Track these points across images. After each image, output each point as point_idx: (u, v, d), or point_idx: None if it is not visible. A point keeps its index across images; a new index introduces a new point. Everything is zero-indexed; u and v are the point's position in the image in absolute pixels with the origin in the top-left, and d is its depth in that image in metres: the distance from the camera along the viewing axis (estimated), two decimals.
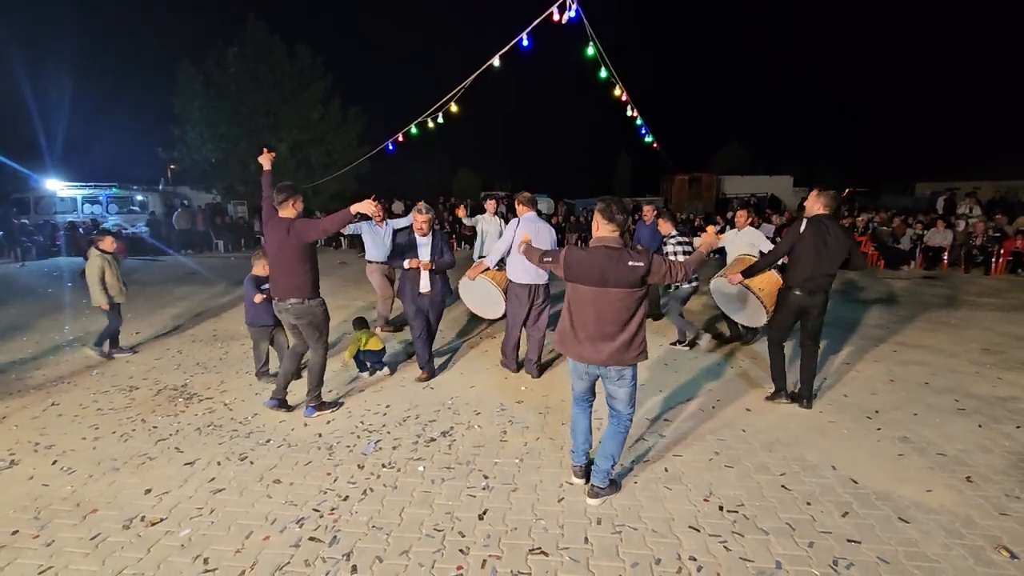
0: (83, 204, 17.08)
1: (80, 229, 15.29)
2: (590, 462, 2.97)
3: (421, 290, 4.54)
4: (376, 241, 6.05)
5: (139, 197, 17.72)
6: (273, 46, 19.10)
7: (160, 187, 19.59)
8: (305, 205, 5.38)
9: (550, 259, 2.84)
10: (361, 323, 5.03)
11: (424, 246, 4.54)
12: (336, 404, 4.08)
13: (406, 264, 4.46)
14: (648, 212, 7.03)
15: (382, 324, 6.22)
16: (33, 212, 16.50)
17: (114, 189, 17.37)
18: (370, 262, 6.17)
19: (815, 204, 3.85)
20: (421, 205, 4.62)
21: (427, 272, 4.51)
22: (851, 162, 31.42)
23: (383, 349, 4.83)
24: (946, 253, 11.50)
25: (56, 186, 17.42)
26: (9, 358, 5.46)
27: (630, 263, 2.56)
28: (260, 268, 4.40)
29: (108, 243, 5.49)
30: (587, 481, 2.90)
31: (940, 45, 54.93)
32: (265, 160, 4.11)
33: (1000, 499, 2.82)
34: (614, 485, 2.92)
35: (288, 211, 3.69)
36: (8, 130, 21.24)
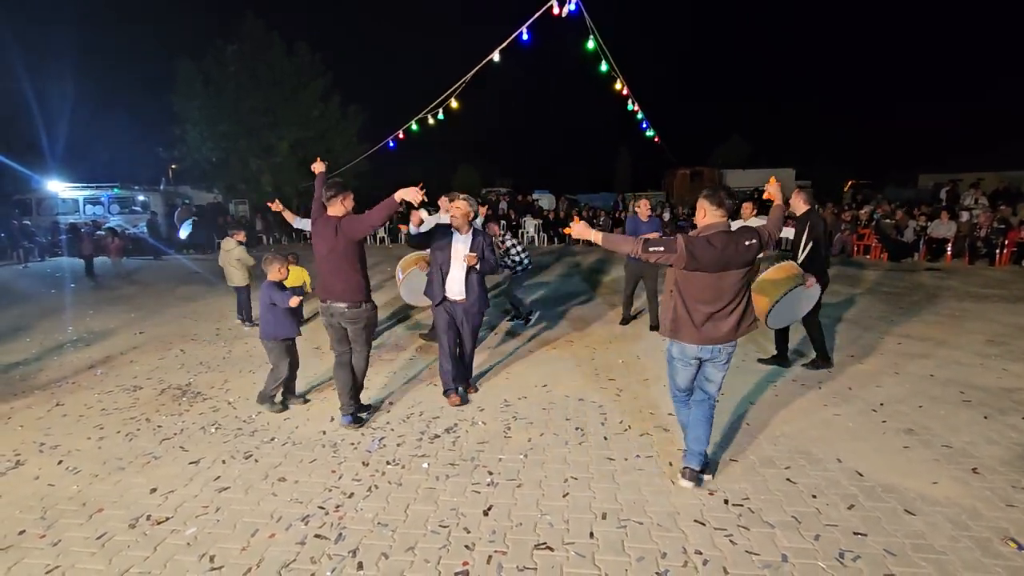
0: (85, 205, 17.10)
1: (82, 230, 15.31)
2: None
3: (453, 296, 3.94)
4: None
5: (141, 197, 17.72)
6: (272, 44, 19.06)
7: (161, 187, 19.59)
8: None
9: (661, 248, 2.67)
10: None
11: (462, 243, 3.94)
12: (373, 408, 3.98)
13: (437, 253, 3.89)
14: (644, 207, 6.11)
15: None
16: (35, 213, 16.54)
17: (116, 190, 17.38)
18: None
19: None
20: (454, 195, 4.12)
21: (463, 275, 3.90)
22: (853, 154, 31.26)
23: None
24: (950, 245, 11.45)
25: (58, 187, 17.45)
26: (13, 359, 5.47)
27: (747, 243, 2.70)
28: (276, 272, 3.94)
29: (242, 235, 6.80)
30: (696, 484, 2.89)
31: (943, 38, 54.58)
32: (319, 166, 4.12)
33: (1007, 490, 2.81)
34: (709, 468, 2.97)
35: (337, 208, 3.50)
36: (9, 131, 21.23)
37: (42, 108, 22.46)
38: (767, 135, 35.36)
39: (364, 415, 3.83)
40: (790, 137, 35.97)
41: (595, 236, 2.89)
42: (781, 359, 4.79)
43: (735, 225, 5.95)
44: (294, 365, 4.04)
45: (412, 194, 3.27)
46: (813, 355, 4.75)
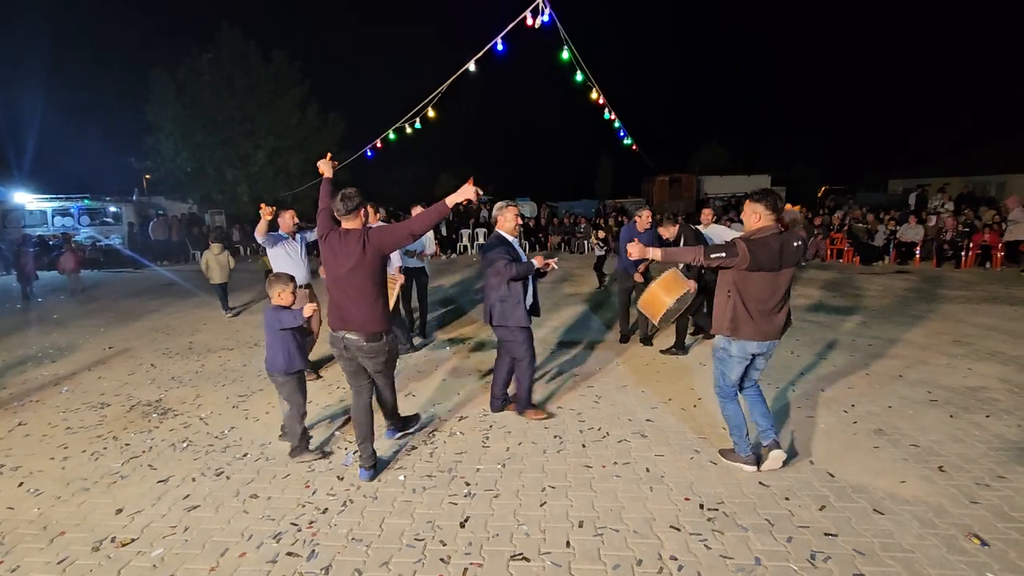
0: (53, 217, 16.64)
1: (50, 243, 14.87)
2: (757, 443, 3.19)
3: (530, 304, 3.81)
4: (293, 258, 4.77)
5: (112, 208, 17.32)
6: (248, 52, 18.86)
7: (134, 197, 19.18)
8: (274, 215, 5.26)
9: (723, 254, 2.85)
10: None
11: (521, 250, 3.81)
12: (416, 419, 3.75)
13: (537, 264, 3.63)
14: (645, 218, 5.64)
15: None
16: (1, 226, 16.03)
17: (86, 201, 16.96)
18: None
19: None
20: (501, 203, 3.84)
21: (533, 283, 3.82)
22: (828, 161, 32.06)
23: None
24: (918, 248, 11.79)
25: (25, 199, 16.96)
26: None
27: (795, 244, 2.88)
28: (280, 296, 3.31)
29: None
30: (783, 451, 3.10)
31: (913, 47, 56.52)
32: (326, 166, 3.50)
33: (971, 488, 2.88)
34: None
35: (356, 222, 3.01)
36: None
37: (9, 118, 21.85)
38: (744, 142, 36.11)
39: (413, 428, 3.62)
40: (767, 144, 36.79)
41: (655, 253, 3.06)
42: (680, 348, 5.43)
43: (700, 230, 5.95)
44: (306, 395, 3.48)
45: (469, 193, 2.80)
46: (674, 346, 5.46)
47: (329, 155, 3.58)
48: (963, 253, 11.07)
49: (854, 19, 64.50)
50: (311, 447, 3.43)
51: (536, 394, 4.40)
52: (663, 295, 4.51)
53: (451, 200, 2.84)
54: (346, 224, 3.01)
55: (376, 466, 3.15)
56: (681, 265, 4.65)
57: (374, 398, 3.27)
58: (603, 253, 9.69)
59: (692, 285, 4.70)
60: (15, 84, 26.83)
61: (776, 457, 3.06)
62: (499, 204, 3.82)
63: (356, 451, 3.21)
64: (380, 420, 3.43)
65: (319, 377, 4.87)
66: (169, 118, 17.86)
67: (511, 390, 4.06)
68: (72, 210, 16.78)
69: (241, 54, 18.66)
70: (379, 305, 2.98)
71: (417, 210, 4.99)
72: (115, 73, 35.34)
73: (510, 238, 3.75)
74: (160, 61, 18.11)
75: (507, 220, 3.76)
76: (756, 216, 2.94)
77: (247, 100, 18.65)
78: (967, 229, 11.45)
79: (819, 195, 24.55)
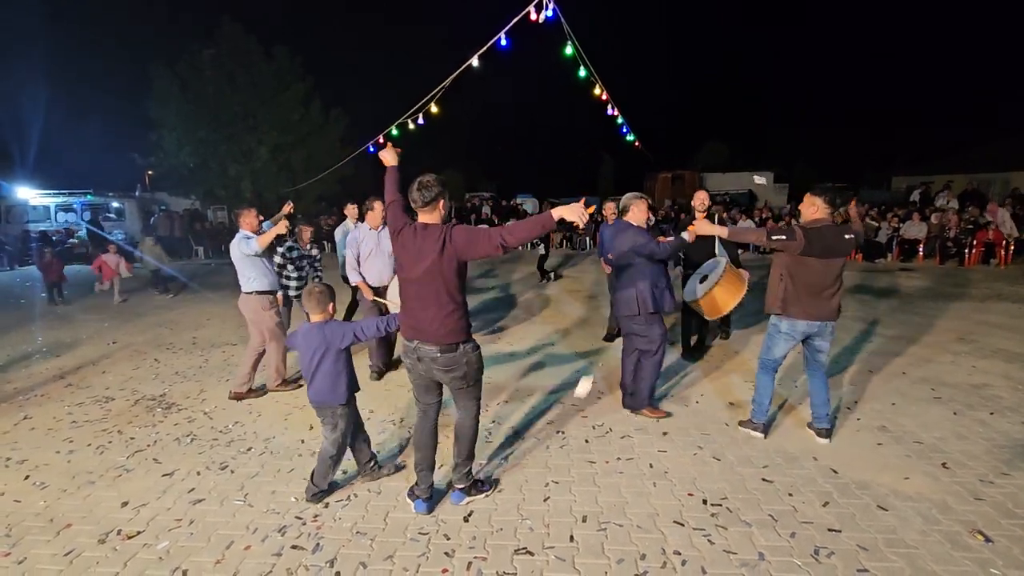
0: (56, 212, 16.68)
1: (53, 238, 14.92)
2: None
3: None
4: (267, 263, 4.39)
5: (115, 204, 17.36)
6: (250, 48, 18.84)
7: (137, 193, 19.21)
8: (292, 211, 5.27)
9: (783, 237, 3.12)
10: None
11: None
12: (493, 483, 3.00)
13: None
14: (609, 210, 5.83)
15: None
16: (4, 221, 16.07)
17: (89, 196, 17.00)
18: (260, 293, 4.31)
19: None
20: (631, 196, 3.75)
21: None
22: (831, 157, 31.95)
23: None
24: (921, 245, 11.76)
25: (28, 194, 17.00)
26: None
27: (846, 236, 3.12)
28: (320, 312, 2.85)
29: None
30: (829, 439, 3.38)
31: (917, 44, 56.22)
32: (389, 155, 3.06)
33: (975, 484, 2.88)
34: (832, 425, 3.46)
35: (434, 215, 2.60)
36: None
37: (12, 114, 21.88)
38: (747, 139, 35.99)
39: (485, 494, 2.88)
40: (769, 141, 36.65)
41: (720, 231, 3.34)
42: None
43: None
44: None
45: (576, 213, 2.39)
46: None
47: (390, 144, 3.23)
48: (967, 250, 11.03)
49: (857, 16, 64.15)
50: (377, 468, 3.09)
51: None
52: (730, 300, 4.13)
53: (558, 213, 2.42)
54: (423, 217, 2.62)
55: (433, 498, 2.81)
56: (719, 266, 4.23)
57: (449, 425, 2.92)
58: (544, 252, 10.04)
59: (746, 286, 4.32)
60: (19, 79, 26.85)
61: (821, 443, 3.35)
62: (629, 196, 3.78)
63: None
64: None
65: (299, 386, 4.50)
66: (172, 113, 17.86)
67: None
68: (75, 206, 16.81)
69: (243, 50, 18.63)
70: (456, 313, 2.58)
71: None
72: (117, 69, 35.35)
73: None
74: (162, 56, 18.10)
75: (640, 211, 3.70)
76: (814, 207, 3.20)
77: (249, 96, 18.63)
78: (971, 226, 11.40)
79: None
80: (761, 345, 3.51)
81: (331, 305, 2.88)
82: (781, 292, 3.23)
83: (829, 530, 2.52)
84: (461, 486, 2.84)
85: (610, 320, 5.97)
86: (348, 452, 2.99)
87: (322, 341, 2.78)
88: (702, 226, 3.37)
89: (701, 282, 4.28)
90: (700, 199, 5.00)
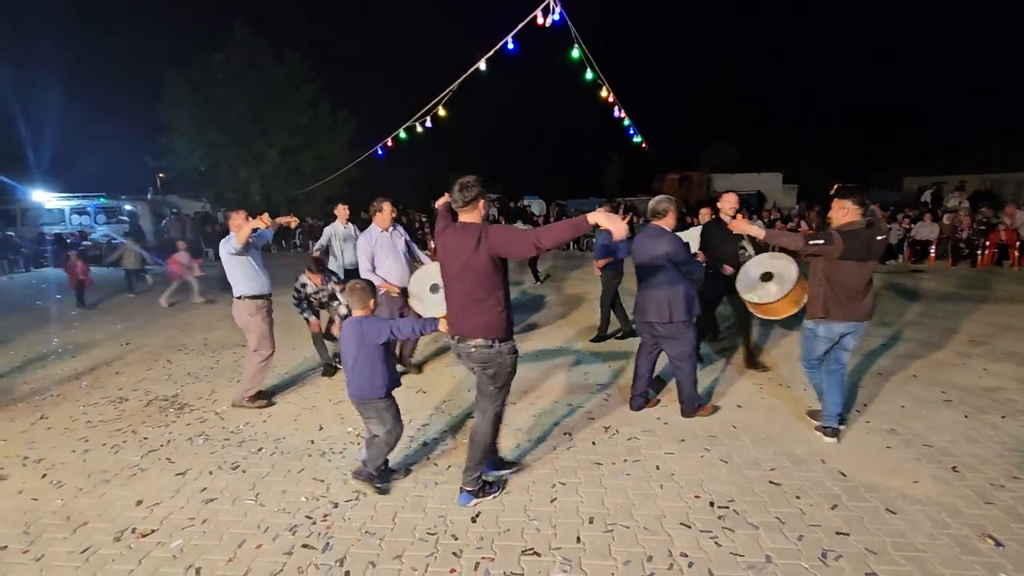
0: (71, 215, 16.94)
1: (68, 240, 15.16)
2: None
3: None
4: (255, 266, 4.19)
5: (127, 207, 17.60)
6: (261, 51, 19.05)
7: (148, 196, 19.47)
8: (297, 214, 5.38)
9: (821, 242, 3.19)
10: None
11: None
12: (502, 484, 3.02)
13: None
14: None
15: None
16: (20, 224, 16.36)
17: (102, 199, 17.26)
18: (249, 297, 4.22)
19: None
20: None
21: None
22: (840, 158, 31.69)
23: None
24: (933, 246, 11.64)
25: (43, 197, 17.29)
26: None
27: (879, 238, 3.18)
28: (362, 307, 2.90)
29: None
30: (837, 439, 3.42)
31: (927, 41, 55.64)
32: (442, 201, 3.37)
33: (985, 488, 2.86)
34: (843, 423, 3.52)
35: (474, 215, 2.69)
36: None
37: (27, 118, 22.28)
38: (755, 139, 35.76)
39: (492, 496, 2.90)
40: (778, 141, 36.38)
41: (758, 232, 3.41)
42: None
43: (694, 230, 5.85)
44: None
45: (611, 221, 2.37)
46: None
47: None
48: (979, 252, 10.91)
49: (867, 13, 63.60)
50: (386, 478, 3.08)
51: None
52: (790, 309, 4.08)
53: (593, 218, 2.41)
54: (463, 217, 2.72)
55: (479, 492, 2.87)
56: (782, 278, 4.09)
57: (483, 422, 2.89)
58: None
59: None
60: (33, 84, 27.32)
61: (828, 442, 3.40)
62: (662, 199, 3.66)
63: (363, 447, 3.13)
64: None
65: (270, 404, 4.31)
66: (183, 117, 18.10)
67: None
68: (89, 208, 17.07)
69: (253, 53, 18.85)
70: (493, 310, 2.64)
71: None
72: (129, 73, 35.87)
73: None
74: (174, 60, 18.36)
75: (674, 217, 3.64)
76: (844, 211, 3.23)
77: (259, 99, 18.83)
78: (983, 227, 11.27)
79: (832, 192, 24.28)
80: (801, 350, 3.60)
81: (372, 301, 2.94)
82: (822, 298, 3.29)
83: (837, 533, 2.52)
84: (470, 488, 2.86)
85: (602, 322, 5.98)
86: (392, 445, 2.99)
87: (360, 335, 2.82)
88: (741, 224, 3.42)
89: (763, 279, 4.14)
90: (729, 202, 4.83)
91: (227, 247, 4.06)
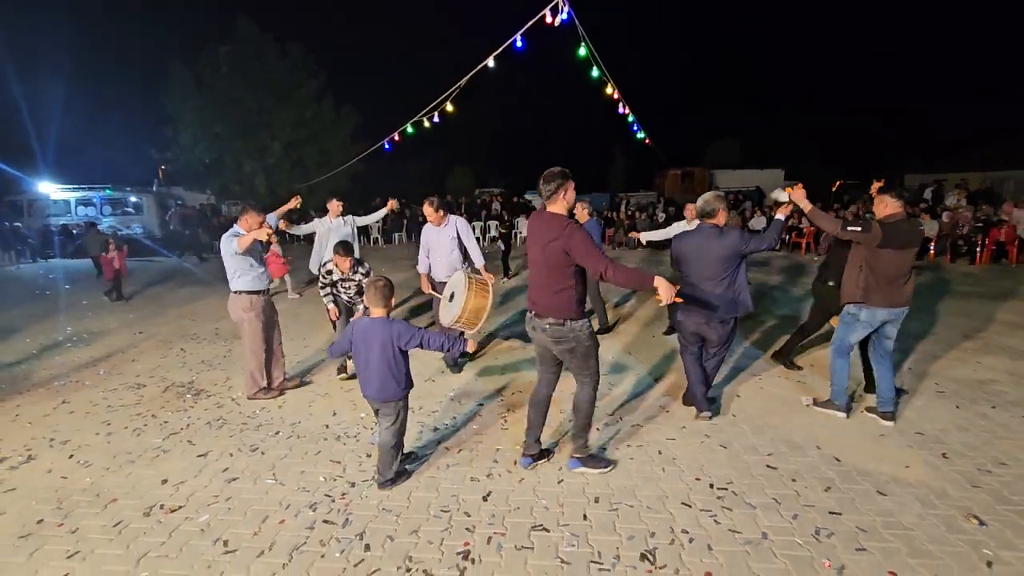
0: (77, 206, 17.04)
1: (74, 231, 15.29)
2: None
3: None
4: (255, 263, 4.21)
5: (133, 199, 17.69)
6: (266, 45, 19.10)
7: (154, 188, 19.56)
8: (301, 205, 5.39)
9: (858, 229, 3.42)
10: None
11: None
12: (611, 463, 3.15)
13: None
14: (580, 211, 5.86)
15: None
16: (26, 215, 16.47)
17: (108, 191, 17.33)
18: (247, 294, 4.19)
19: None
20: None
21: None
22: (842, 155, 31.71)
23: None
24: (933, 243, 11.74)
25: (49, 189, 17.38)
26: (14, 358, 5.55)
27: (920, 228, 3.50)
28: (382, 306, 2.89)
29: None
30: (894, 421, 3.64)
31: (929, 40, 55.44)
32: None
33: (973, 473, 3.00)
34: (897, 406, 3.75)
35: (559, 204, 2.85)
36: (0, 133, 21.12)
37: (33, 110, 22.36)
38: (758, 136, 35.75)
39: (600, 470, 3.06)
40: (780, 138, 36.38)
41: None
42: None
43: (680, 224, 5.90)
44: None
45: (668, 291, 2.63)
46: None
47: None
48: (978, 249, 11.01)
49: (872, 11, 63.33)
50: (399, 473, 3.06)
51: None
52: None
53: (656, 281, 2.65)
54: (551, 207, 2.89)
55: (537, 457, 3.12)
56: None
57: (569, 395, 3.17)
58: (505, 248, 9.97)
59: None
60: (40, 77, 27.37)
61: (885, 426, 3.60)
62: (711, 196, 3.63)
63: (376, 432, 3.26)
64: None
65: (282, 393, 4.39)
66: (188, 109, 18.17)
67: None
68: (94, 200, 17.16)
69: (258, 47, 18.90)
70: (565, 293, 2.83)
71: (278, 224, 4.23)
72: (135, 65, 35.86)
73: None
74: (180, 53, 18.41)
75: (725, 213, 3.64)
76: (884, 205, 3.50)
77: (264, 92, 18.89)
78: (980, 224, 11.36)
79: (833, 189, 24.34)
80: (835, 333, 3.81)
81: (392, 300, 2.94)
82: (862, 282, 3.50)
83: (830, 513, 2.66)
84: (578, 455, 3.12)
85: (601, 315, 6.04)
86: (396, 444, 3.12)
87: (388, 338, 2.82)
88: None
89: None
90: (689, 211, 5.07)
91: (229, 247, 4.04)
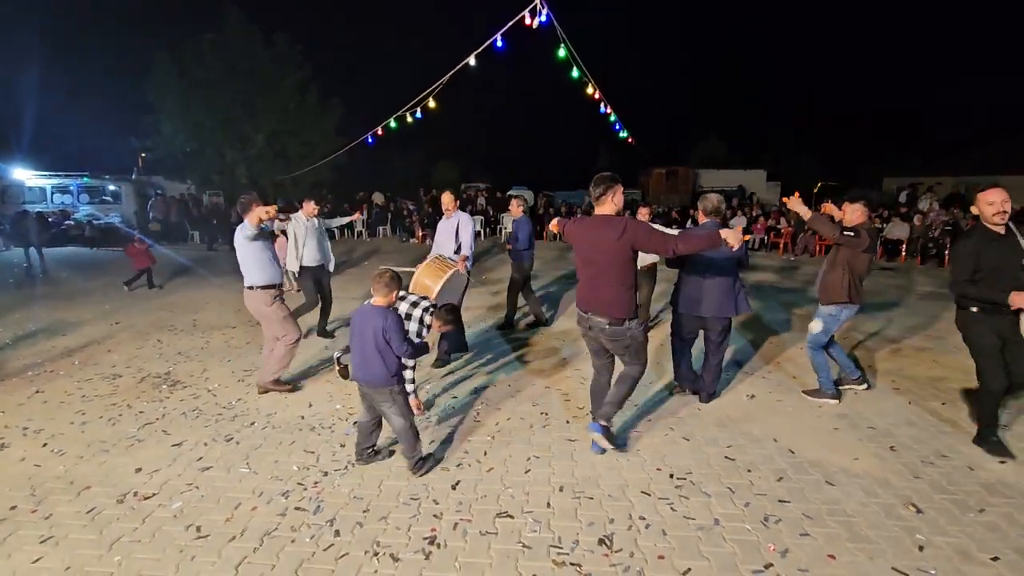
0: (53, 194, 16.71)
1: (49, 219, 14.97)
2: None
3: None
4: (269, 255, 4.20)
5: (111, 187, 17.40)
6: (250, 34, 18.82)
7: (133, 176, 19.23)
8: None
9: (853, 235, 3.66)
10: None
11: None
12: (624, 444, 3.40)
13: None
14: (515, 206, 5.94)
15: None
16: (1, 202, 16.10)
17: (85, 178, 17.03)
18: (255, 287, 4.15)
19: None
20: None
21: None
22: (827, 156, 32.27)
23: None
24: (904, 246, 12.09)
25: (24, 175, 17.00)
26: None
27: (877, 232, 3.70)
28: (385, 296, 2.94)
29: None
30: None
31: (913, 43, 56.51)
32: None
33: (916, 464, 3.18)
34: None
35: (608, 206, 2.99)
36: None
37: (8, 94, 21.76)
38: (743, 137, 36.20)
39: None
40: (764, 139, 36.87)
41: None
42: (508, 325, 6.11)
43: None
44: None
45: (736, 238, 2.72)
46: None
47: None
48: (946, 251, 11.37)
49: (854, 14, 64.32)
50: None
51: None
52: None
53: (724, 233, 2.73)
54: (600, 209, 3.01)
55: (607, 433, 3.15)
56: None
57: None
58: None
59: None
60: (15, 60, 26.63)
61: (862, 389, 4.19)
62: (717, 197, 3.89)
63: (356, 421, 3.32)
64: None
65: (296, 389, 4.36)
66: (170, 98, 17.85)
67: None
68: (72, 187, 16.84)
69: (243, 36, 18.62)
70: (625, 292, 2.97)
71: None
72: (116, 51, 35.04)
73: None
74: (162, 40, 18.07)
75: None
76: (859, 212, 3.80)
77: (248, 82, 18.64)
78: (950, 228, 11.73)
79: (815, 191, 24.82)
80: (813, 332, 4.03)
81: (395, 293, 2.99)
82: (847, 284, 3.80)
83: (779, 501, 2.81)
84: (603, 423, 3.18)
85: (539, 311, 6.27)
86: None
87: (380, 326, 2.87)
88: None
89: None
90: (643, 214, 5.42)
91: (242, 232, 4.04)
